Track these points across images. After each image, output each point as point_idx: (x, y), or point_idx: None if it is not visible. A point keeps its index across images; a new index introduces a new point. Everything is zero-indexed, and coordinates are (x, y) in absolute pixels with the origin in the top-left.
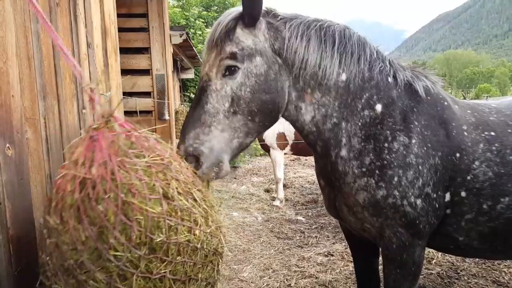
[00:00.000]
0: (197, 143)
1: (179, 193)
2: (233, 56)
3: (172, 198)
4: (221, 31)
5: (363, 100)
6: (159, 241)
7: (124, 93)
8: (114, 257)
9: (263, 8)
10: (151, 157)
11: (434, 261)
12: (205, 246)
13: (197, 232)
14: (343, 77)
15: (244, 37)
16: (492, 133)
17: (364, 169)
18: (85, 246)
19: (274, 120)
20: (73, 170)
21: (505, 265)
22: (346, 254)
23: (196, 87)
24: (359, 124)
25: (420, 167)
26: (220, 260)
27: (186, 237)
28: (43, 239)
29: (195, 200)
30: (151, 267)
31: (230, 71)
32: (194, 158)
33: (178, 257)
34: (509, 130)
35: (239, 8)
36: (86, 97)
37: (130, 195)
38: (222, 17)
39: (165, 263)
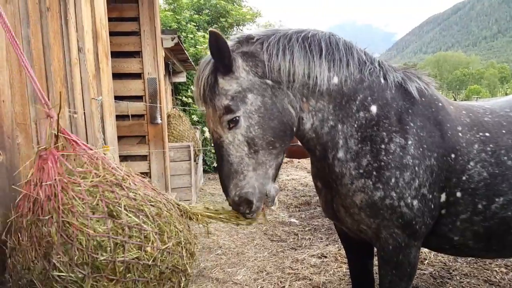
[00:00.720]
0: (238, 190)
1: (128, 211)
2: (228, 109)
3: (119, 216)
4: (205, 89)
5: (357, 102)
6: (103, 259)
7: (116, 97)
8: (58, 277)
9: (235, 40)
10: (101, 176)
11: (427, 261)
12: (159, 263)
13: (148, 249)
14: (335, 80)
15: (228, 85)
16: (487, 134)
17: (361, 171)
18: (35, 265)
19: (292, 136)
20: (27, 190)
21: (497, 265)
22: (339, 256)
23: (189, 90)
24: (355, 125)
25: (416, 168)
26: (184, 278)
27: (135, 254)
28: (6, 258)
29: (147, 216)
30: (98, 286)
31: (233, 122)
32: (245, 202)
33: (128, 275)
34: (504, 131)
35: (209, 57)
36: (44, 114)
37: (70, 215)
38: (199, 72)
39: (113, 282)
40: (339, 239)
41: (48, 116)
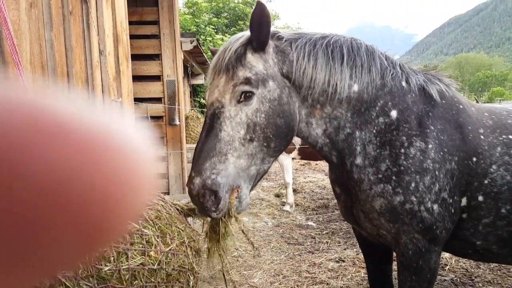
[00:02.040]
0: (214, 174)
1: None
2: (248, 81)
3: None
4: (231, 56)
5: (377, 108)
6: (108, 270)
7: (136, 99)
8: None
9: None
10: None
11: (448, 267)
12: (164, 266)
13: (152, 253)
14: (355, 88)
15: (255, 62)
16: (510, 136)
17: (380, 176)
18: (41, 283)
19: (287, 144)
20: None
21: None
22: (357, 260)
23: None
24: (374, 131)
25: (436, 172)
26: (192, 277)
27: (139, 261)
28: None
29: (146, 220)
30: None
31: (246, 97)
32: (212, 193)
33: (135, 282)
34: None
35: (246, 33)
36: None
37: None
38: (228, 43)
39: None
40: (357, 243)
41: None
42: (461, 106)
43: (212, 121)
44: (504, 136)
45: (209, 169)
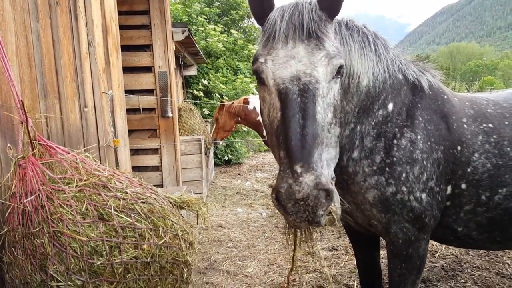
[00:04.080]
0: (324, 168)
1: (119, 211)
2: (339, 54)
3: (110, 218)
4: (311, 21)
5: (380, 101)
6: (100, 264)
7: (127, 91)
8: (57, 287)
9: None
10: (84, 180)
11: (438, 254)
12: (157, 259)
13: (145, 246)
14: (364, 82)
15: (332, 33)
16: (490, 125)
17: (375, 167)
18: (32, 278)
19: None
20: (14, 202)
21: (508, 257)
22: (350, 249)
23: (199, 84)
24: (372, 123)
25: (424, 162)
26: (186, 269)
27: (132, 254)
28: (4, 274)
29: (139, 214)
30: None
31: (338, 72)
32: (327, 194)
33: (128, 275)
34: (506, 122)
35: None
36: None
37: (60, 224)
38: (294, 6)
39: (113, 284)
40: None
41: (22, 122)
42: (445, 97)
43: (305, 99)
44: (484, 125)
45: (320, 162)
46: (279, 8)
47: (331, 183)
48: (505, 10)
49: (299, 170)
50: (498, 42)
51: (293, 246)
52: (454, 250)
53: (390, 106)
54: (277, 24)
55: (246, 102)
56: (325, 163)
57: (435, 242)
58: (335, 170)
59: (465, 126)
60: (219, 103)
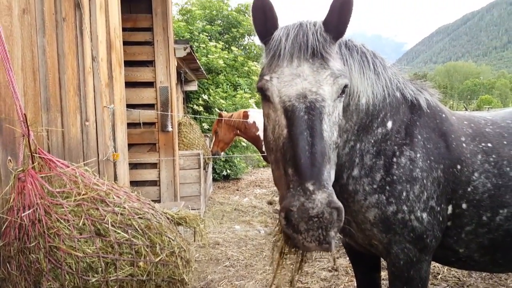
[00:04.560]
0: (332, 189)
1: (116, 227)
2: (343, 74)
3: (107, 234)
4: (316, 41)
5: (379, 119)
6: (95, 281)
7: (128, 105)
8: None
9: None
10: (83, 194)
11: (440, 276)
12: (153, 277)
13: (141, 264)
14: (364, 100)
15: (335, 53)
16: (489, 144)
17: (375, 186)
18: None
19: None
20: (11, 216)
21: None
22: (350, 269)
23: (200, 99)
24: (372, 141)
25: (424, 180)
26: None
27: (128, 271)
28: None
29: (136, 230)
30: None
31: (343, 92)
32: (338, 213)
33: None
34: (505, 142)
35: (316, 19)
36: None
37: (57, 239)
38: (299, 27)
39: None
40: None
41: (23, 135)
42: (443, 115)
43: (312, 116)
44: (483, 144)
45: (329, 180)
46: (283, 27)
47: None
48: (500, 30)
49: (311, 187)
50: (494, 61)
51: (292, 267)
52: (456, 272)
53: (389, 124)
54: (282, 43)
55: (245, 115)
56: (331, 182)
57: (437, 264)
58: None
59: (464, 145)
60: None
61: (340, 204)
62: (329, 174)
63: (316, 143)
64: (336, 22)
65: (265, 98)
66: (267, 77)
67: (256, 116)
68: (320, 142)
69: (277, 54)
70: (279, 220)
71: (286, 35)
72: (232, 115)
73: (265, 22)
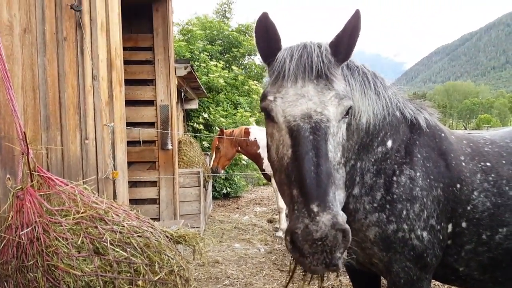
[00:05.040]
0: (339, 208)
1: (115, 245)
2: (347, 96)
3: (105, 252)
4: (320, 63)
5: (379, 138)
6: None
7: (128, 123)
8: None
9: None
10: (82, 212)
11: None
12: None
13: (139, 282)
14: (364, 120)
15: (340, 75)
16: (488, 164)
17: (375, 205)
18: None
19: None
20: (9, 234)
21: None
22: (350, 287)
23: (200, 117)
24: (372, 160)
25: (424, 199)
26: None
27: None
28: None
29: (135, 248)
30: None
31: (347, 113)
32: (343, 235)
33: None
34: (504, 161)
35: (322, 41)
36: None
37: (55, 258)
38: (303, 48)
39: None
40: None
41: (23, 153)
42: (443, 134)
43: (317, 137)
44: (482, 163)
45: (335, 201)
46: (287, 48)
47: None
48: (498, 50)
49: (315, 209)
50: (492, 81)
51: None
52: None
53: (389, 143)
54: (286, 63)
55: (247, 132)
56: (338, 203)
57: (437, 282)
58: None
59: (463, 164)
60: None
61: (345, 225)
62: (335, 195)
63: (321, 164)
64: (346, 45)
65: (268, 117)
66: (270, 97)
67: (257, 133)
68: (326, 163)
69: (281, 75)
70: (285, 243)
71: (290, 55)
72: (233, 131)
73: (268, 42)
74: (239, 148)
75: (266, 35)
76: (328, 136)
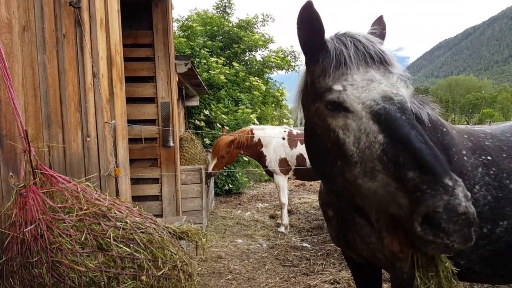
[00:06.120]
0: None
1: (118, 241)
2: (409, 80)
3: (109, 248)
4: (381, 49)
5: None
6: None
7: (129, 121)
8: None
9: None
10: (85, 209)
11: None
12: None
13: (143, 277)
14: None
15: (396, 63)
16: (489, 158)
17: None
18: None
19: None
20: (13, 231)
21: None
22: (352, 282)
23: (201, 114)
24: None
25: None
26: None
27: (130, 285)
28: None
29: (138, 244)
30: None
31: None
32: (473, 212)
33: None
34: (504, 155)
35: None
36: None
37: (59, 254)
38: (361, 36)
39: None
40: None
41: (25, 151)
42: (444, 129)
43: (409, 115)
44: (483, 157)
45: (463, 190)
46: (334, 38)
47: None
48: (501, 44)
49: (450, 183)
50: (495, 75)
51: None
52: (457, 283)
53: None
54: (343, 52)
55: (252, 134)
56: None
57: None
58: (341, 204)
59: (465, 158)
60: (220, 133)
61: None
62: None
63: (427, 140)
64: (379, 35)
65: (337, 109)
66: (338, 87)
67: (259, 133)
68: (427, 138)
69: (341, 63)
70: (417, 233)
71: (344, 44)
72: (237, 136)
73: (311, 32)
74: (242, 151)
75: (310, 25)
76: (412, 115)
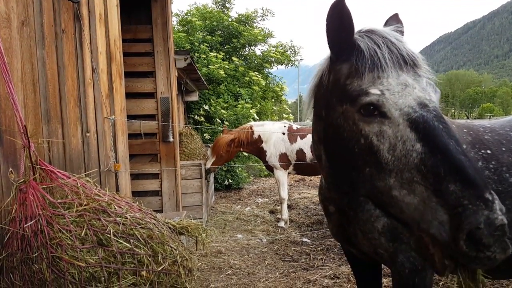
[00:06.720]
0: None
1: (118, 236)
2: (434, 83)
3: (109, 244)
4: (410, 49)
5: None
6: None
7: (129, 116)
8: None
9: None
10: (84, 205)
11: (442, 283)
12: (156, 286)
13: (143, 273)
14: None
15: (424, 64)
16: (488, 151)
17: None
18: None
19: None
20: (13, 227)
21: None
22: (352, 276)
23: (201, 109)
24: None
25: None
26: None
27: (130, 281)
28: None
29: (138, 240)
30: None
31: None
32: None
33: None
34: (504, 149)
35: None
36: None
37: (59, 250)
38: (392, 35)
39: None
40: None
41: (24, 147)
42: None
43: (445, 124)
44: (483, 151)
45: (495, 197)
46: (365, 36)
47: None
48: (501, 39)
49: (490, 197)
50: (495, 70)
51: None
52: (458, 278)
53: None
54: (377, 53)
55: (252, 131)
56: None
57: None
58: (343, 200)
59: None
60: (220, 128)
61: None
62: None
63: (464, 151)
64: (402, 33)
65: (371, 115)
66: (376, 91)
67: (259, 130)
68: (464, 149)
69: (378, 65)
70: (462, 251)
71: (376, 44)
72: (237, 135)
73: (340, 30)
74: (241, 148)
75: (340, 22)
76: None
